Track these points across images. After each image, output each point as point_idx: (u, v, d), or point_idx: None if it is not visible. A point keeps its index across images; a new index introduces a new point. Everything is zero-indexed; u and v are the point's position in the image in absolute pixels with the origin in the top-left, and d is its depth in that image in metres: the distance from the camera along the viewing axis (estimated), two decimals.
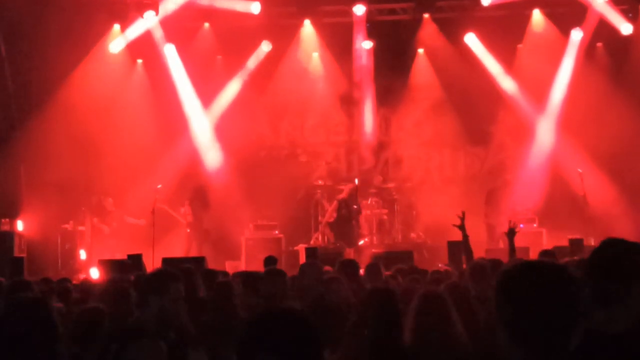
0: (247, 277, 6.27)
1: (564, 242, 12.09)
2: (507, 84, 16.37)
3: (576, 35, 16.12)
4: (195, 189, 15.14)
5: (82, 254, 14.39)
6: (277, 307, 2.32)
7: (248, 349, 2.15)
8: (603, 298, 2.70)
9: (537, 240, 14.19)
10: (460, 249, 8.12)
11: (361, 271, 7.37)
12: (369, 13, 16.31)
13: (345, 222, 14.66)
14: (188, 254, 14.23)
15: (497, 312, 2.26)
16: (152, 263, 11.54)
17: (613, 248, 2.90)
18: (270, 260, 8.78)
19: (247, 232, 15.29)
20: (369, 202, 15.71)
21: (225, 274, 7.97)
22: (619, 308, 2.70)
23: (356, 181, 15.99)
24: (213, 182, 15.97)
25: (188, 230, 14.95)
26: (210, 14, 16.03)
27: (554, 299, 2.20)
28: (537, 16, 16.32)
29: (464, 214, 7.30)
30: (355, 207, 14.78)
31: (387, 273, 7.72)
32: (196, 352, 4.19)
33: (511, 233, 6.88)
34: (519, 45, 16.59)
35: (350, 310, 5.26)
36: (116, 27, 15.91)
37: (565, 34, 16.21)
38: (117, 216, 14.91)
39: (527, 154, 16.22)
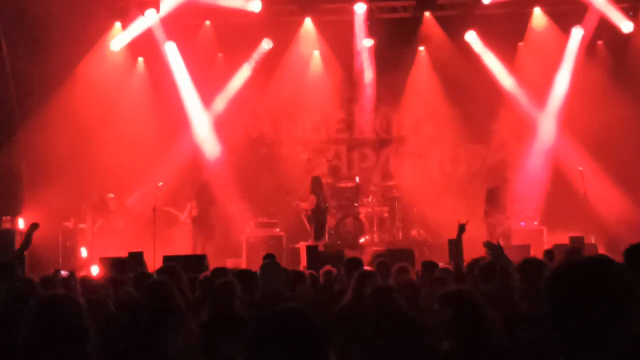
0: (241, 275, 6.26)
1: (565, 240, 12.12)
2: (507, 81, 16.37)
3: (577, 33, 16.11)
4: (202, 184, 15.21)
5: (83, 252, 14.43)
6: (285, 307, 2.35)
7: (258, 347, 2.18)
8: None
9: (538, 238, 14.21)
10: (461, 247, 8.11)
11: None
12: (369, 11, 16.31)
13: (322, 213, 14.75)
14: (195, 250, 14.26)
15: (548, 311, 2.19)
16: (153, 261, 11.56)
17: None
18: (268, 258, 8.79)
19: (248, 229, 15.30)
20: (369, 199, 15.73)
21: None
22: None
23: (357, 179, 16.04)
24: (214, 179, 15.99)
25: (191, 225, 14.96)
26: (211, 11, 16.03)
27: (599, 295, 2.12)
28: (538, 14, 16.31)
29: (463, 226, 7.22)
30: (326, 205, 14.80)
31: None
32: None
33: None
34: (520, 43, 16.59)
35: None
36: (117, 24, 15.92)
37: (566, 32, 16.21)
38: (120, 215, 14.94)
39: (528, 151, 16.23)
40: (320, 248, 13.49)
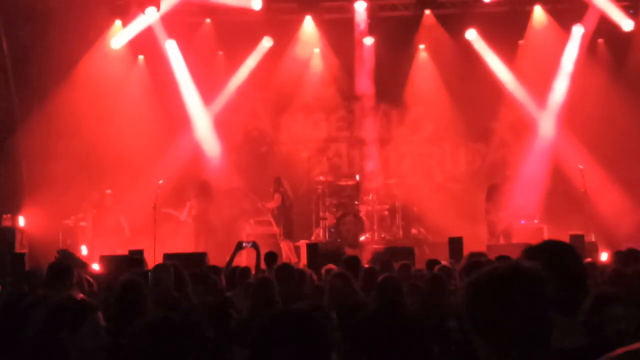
0: None
1: (565, 238, 12.07)
2: (508, 80, 16.37)
3: (577, 31, 16.10)
4: (201, 183, 15.22)
5: (84, 250, 14.42)
6: (289, 307, 2.38)
7: (262, 347, 2.21)
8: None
9: (538, 236, 14.19)
10: (461, 245, 8.17)
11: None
12: (370, 9, 16.31)
13: (288, 211, 14.91)
14: (198, 249, 14.26)
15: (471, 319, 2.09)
16: (153, 259, 11.56)
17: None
18: (270, 256, 8.83)
19: (248, 227, 15.32)
20: (369, 198, 15.73)
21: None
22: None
23: (357, 177, 16.04)
24: (214, 177, 16.00)
25: (192, 225, 14.97)
26: (212, 10, 16.05)
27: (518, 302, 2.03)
28: (539, 12, 16.31)
29: None
30: (291, 203, 14.99)
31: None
32: None
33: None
34: (520, 41, 16.58)
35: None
36: (117, 23, 15.92)
37: (567, 30, 16.19)
38: (114, 214, 14.92)
39: (528, 150, 16.23)
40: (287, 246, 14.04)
